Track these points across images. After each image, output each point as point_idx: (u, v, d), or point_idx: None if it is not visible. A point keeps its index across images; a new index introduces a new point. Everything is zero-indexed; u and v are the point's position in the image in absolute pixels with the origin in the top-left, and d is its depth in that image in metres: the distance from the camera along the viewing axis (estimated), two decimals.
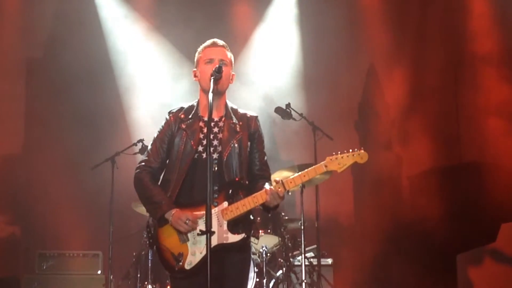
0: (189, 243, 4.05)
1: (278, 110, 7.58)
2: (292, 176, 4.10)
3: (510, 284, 6.68)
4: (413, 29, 9.35)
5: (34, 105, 8.91)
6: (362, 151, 4.14)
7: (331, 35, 9.11)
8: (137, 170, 4.25)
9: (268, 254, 7.03)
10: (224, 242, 4.03)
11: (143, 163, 4.26)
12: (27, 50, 8.97)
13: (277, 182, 4.07)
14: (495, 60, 8.74)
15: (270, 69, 9.31)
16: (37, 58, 9.02)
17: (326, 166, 4.10)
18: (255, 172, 4.30)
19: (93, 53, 8.90)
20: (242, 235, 4.06)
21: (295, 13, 9.46)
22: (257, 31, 9.47)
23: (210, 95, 3.98)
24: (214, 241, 3.94)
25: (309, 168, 4.11)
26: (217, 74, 4.08)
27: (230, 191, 4.09)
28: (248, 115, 4.35)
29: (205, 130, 4.17)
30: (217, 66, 4.11)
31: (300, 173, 4.11)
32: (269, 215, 5.71)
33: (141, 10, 9.26)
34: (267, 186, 4.13)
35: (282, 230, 7.22)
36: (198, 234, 4.00)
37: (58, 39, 8.89)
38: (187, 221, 4.02)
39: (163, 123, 4.30)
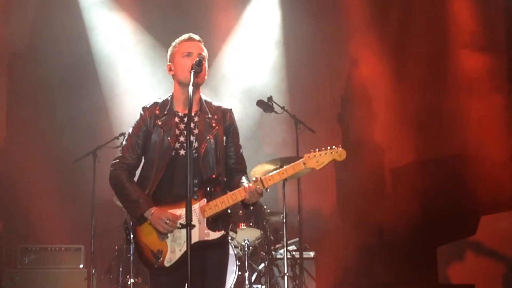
0: (168, 240, 4.04)
1: (260, 103, 7.53)
2: (271, 174, 4.09)
3: (489, 276, 6.75)
4: (396, 21, 9.36)
5: (16, 100, 8.87)
6: (340, 148, 4.11)
7: (314, 27, 9.10)
8: (112, 168, 4.19)
9: (250, 248, 7.06)
10: (204, 239, 4.02)
11: (117, 160, 4.20)
12: (9, 45, 8.90)
13: (255, 180, 4.05)
14: (478, 52, 8.78)
15: (252, 62, 9.28)
16: (19, 53, 8.96)
17: (304, 163, 4.09)
18: (231, 166, 4.29)
19: (75, 47, 8.86)
20: (222, 232, 4.07)
21: (276, 6, 9.43)
22: (238, 24, 9.45)
23: (190, 89, 3.93)
24: (194, 238, 3.92)
25: (288, 166, 4.09)
26: (198, 67, 4.05)
27: (208, 188, 4.07)
28: (223, 108, 4.32)
29: (181, 126, 4.17)
30: (197, 59, 4.07)
31: (278, 170, 4.10)
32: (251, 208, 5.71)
33: (124, 5, 9.20)
34: (245, 183, 4.13)
35: (264, 223, 7.24)
36: (178, 228, 3.99)
37: (40, 34, 8.84)
38: (167, 221, 4.00)
39: (137, 119, 4.23)
